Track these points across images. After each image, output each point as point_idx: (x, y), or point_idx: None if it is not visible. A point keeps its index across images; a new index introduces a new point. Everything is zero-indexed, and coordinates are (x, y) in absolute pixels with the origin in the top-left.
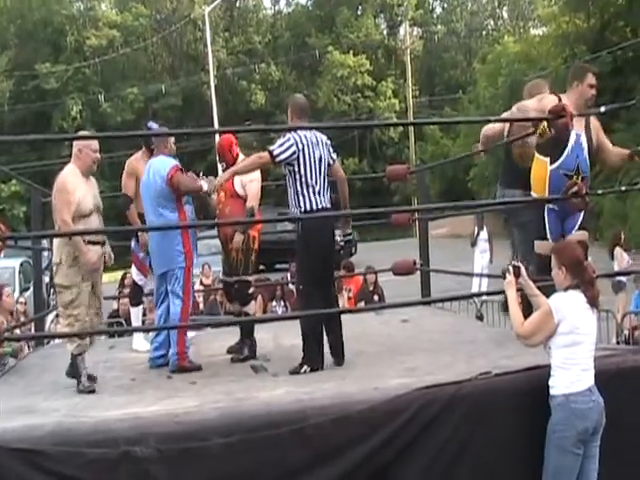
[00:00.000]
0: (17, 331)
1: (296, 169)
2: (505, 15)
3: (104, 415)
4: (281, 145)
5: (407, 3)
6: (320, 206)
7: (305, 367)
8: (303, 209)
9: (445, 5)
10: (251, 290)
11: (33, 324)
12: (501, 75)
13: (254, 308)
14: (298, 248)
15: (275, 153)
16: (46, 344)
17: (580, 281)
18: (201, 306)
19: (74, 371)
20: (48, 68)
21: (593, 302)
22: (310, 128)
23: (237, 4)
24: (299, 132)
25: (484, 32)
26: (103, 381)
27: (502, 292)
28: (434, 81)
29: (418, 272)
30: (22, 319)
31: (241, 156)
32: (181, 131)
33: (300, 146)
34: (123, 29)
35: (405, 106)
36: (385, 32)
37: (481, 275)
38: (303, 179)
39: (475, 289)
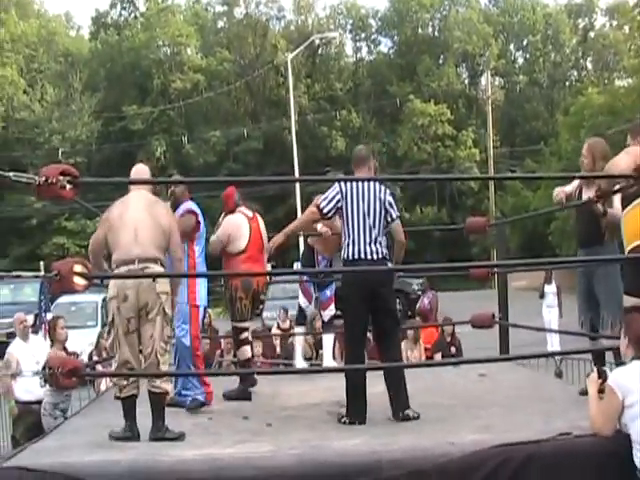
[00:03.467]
0: (99, 367)
1: (343, 219)
2: (589, 66)
3: (181, 455)
4: (326, 197)
5: (489, 53)
6: (361, 257)
7: (345, 419)
8: (344, 259)
9: (527, 55)
10: (244, 336)
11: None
12: (584, 127)
13: (247, 353)
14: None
15: (321, 206)
16: None
17: None
18: (278, 349)
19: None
20: (135, 110)
21: None
22: (377, 180)
23: (319, 51)
24: (351, 183)
25: (567, 83)
26: (180, 419)
27: (581, 351)
28: (515, 132)
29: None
30: (104, 354)
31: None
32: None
33: (344, 195)
34: (207, 73)
35: (485, 156)
36: (466, 81)
37: (550, 330)
38: (347, 229)
39: (548, 345)
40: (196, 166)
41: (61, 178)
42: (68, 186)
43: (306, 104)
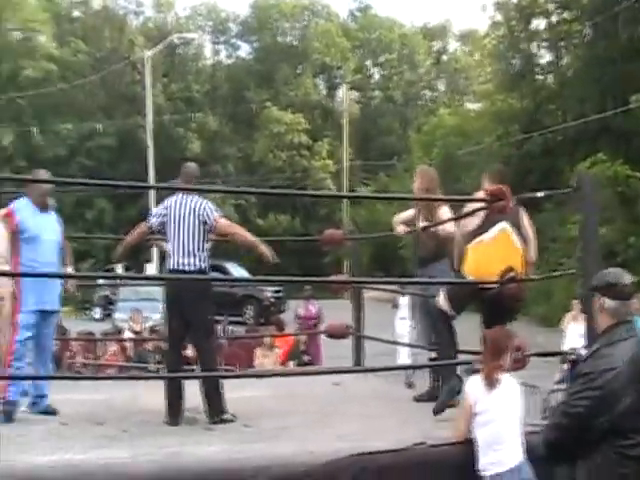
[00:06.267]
0: None
1: (167, 233)
2: (442, 87)
3: (34, 460)
4: (155, 213)
5: (346, 66)
6: (177, 268)
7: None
8: (167, 270)
9: (383, 72)
10: None
11: None
12: (436, 146)
13: None
14: None
15: (149, 220)
16: None
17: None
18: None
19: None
20: None
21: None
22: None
23: (178, 51)
24: (175, 199)
25: (420, 102)
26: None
27: (432, 365)
28: (369, 146)
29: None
30: None
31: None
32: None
33: (168, 210)
34: (61, 63)
35: (339, 168)
36: (324, 93)
37: (403, 344)
38: (170, 242)
39: (398, 355)
40: (46, 158)
41: None
42: None
43: (162, 104)
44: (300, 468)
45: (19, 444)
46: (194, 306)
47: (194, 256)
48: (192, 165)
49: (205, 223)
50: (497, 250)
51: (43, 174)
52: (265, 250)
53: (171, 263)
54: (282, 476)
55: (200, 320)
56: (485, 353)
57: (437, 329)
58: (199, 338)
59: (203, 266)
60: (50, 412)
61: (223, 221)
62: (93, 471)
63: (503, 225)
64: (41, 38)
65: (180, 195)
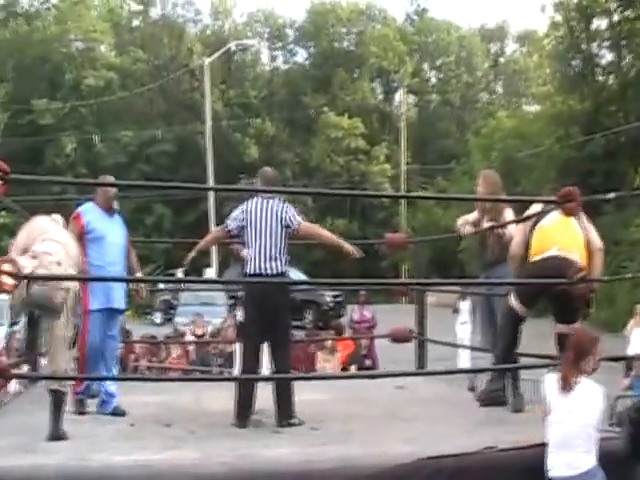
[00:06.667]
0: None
1: (246, 237)
2: (500, 89)
3: (108, 460)
4: (232, 216)
5: (404, 70)
6: (258, 272)
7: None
8: (245, 274)
9: (441, 75)
10: None
11: None
12: (495, 149)
13: None
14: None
15: (227, 224)
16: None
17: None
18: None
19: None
20: (45, 104)
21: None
22: (294, 193)
23: (235, 57)
24: (255, 203)
25: (478, 104)
26: (99, 424)
27: (494, 369)
28: (427, 149)
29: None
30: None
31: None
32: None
33: (247, 214)
34: (121, 72)
35: (397, 172)
36: (380, 97)
37: (464, 347)
38: (248, 246)
39: (459, 359)
40: (107, 166)
41: None
42: None
43: (220, 110)
44: (371, 470)
45: (90, 444)
46: (276, 310)
47: (275, 260)
48: (270, 170)
49: (288, 227)
50: (557, 229)
51: (110, 179)
52: (350, 247)
53: (252, 267)
54: (353, 478)
55: (280, 324)
56: (566, 354)
57: (503, 331)
58: (278, 341)
59: (284, 270)
60: (119, 413)
61: (306, 224)
62: (166, 471)
63: (557, 213)
64: (102, 48)
65: (259, 199)
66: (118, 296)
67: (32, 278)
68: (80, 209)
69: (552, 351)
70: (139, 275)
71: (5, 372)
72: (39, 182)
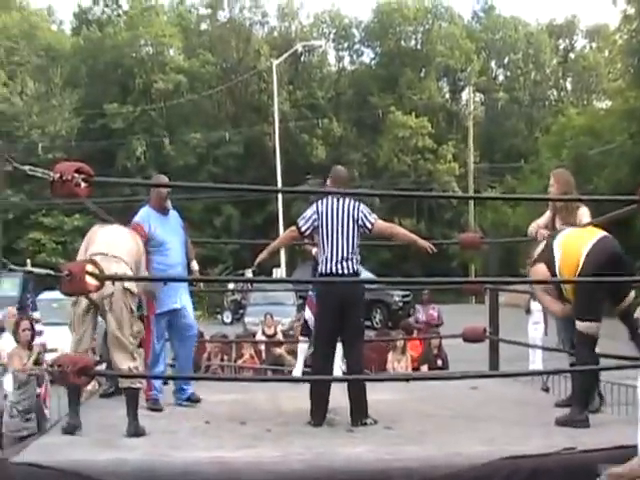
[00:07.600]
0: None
1: (319, 237)
2: (569, 86)
3: (187, 456)
4: (304, 217)
5: (471, 69)
6: (333, 272)
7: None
8: (319, 274)
9: (508, 73)
10: None
11: None
12: (565, 147)
13: None
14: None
15: (299, 225)
16: None
17: None
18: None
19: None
20: (116, 109)
21: None
22: (363, 194)
23: (302, 59)
24: (327, 202)
25: (547, 102)
26: (174, 421)
27: (568, 371)
28: (494, 148)
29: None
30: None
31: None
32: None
33: (320, 214)
34: (189, 75)
35: (465, 171)
36: (447, 96)
37: (535, 346)
38: (322, 246)
39: (531, 360)
40: (176, 167)
41: (76, 175)
42: (83, 184)
43: (287, 111)
44: (450, 470)
45: (169, 441)
46: (352, 309)
47: (349, 260)
48: (342, 169)
49: (363, 226)
50: (584, 231)
51: (163, 179)
52: (424, 243)
53: (326, 268)
54: (432, 477)
55: (355, 323)
56: None
57: (582, 362)
58: (352, 341)
59: (357, 269)
60: (194, 400)
61: (381, 222)
62: (246, 469)
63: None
64: (171, 51)
65: (332, 198)
66: (180, 296)
67: (115, 279)
68: (137, 218)
69: (623, 352)
70: (194, 264)
71: (91, 370)
72: (110, 184)
